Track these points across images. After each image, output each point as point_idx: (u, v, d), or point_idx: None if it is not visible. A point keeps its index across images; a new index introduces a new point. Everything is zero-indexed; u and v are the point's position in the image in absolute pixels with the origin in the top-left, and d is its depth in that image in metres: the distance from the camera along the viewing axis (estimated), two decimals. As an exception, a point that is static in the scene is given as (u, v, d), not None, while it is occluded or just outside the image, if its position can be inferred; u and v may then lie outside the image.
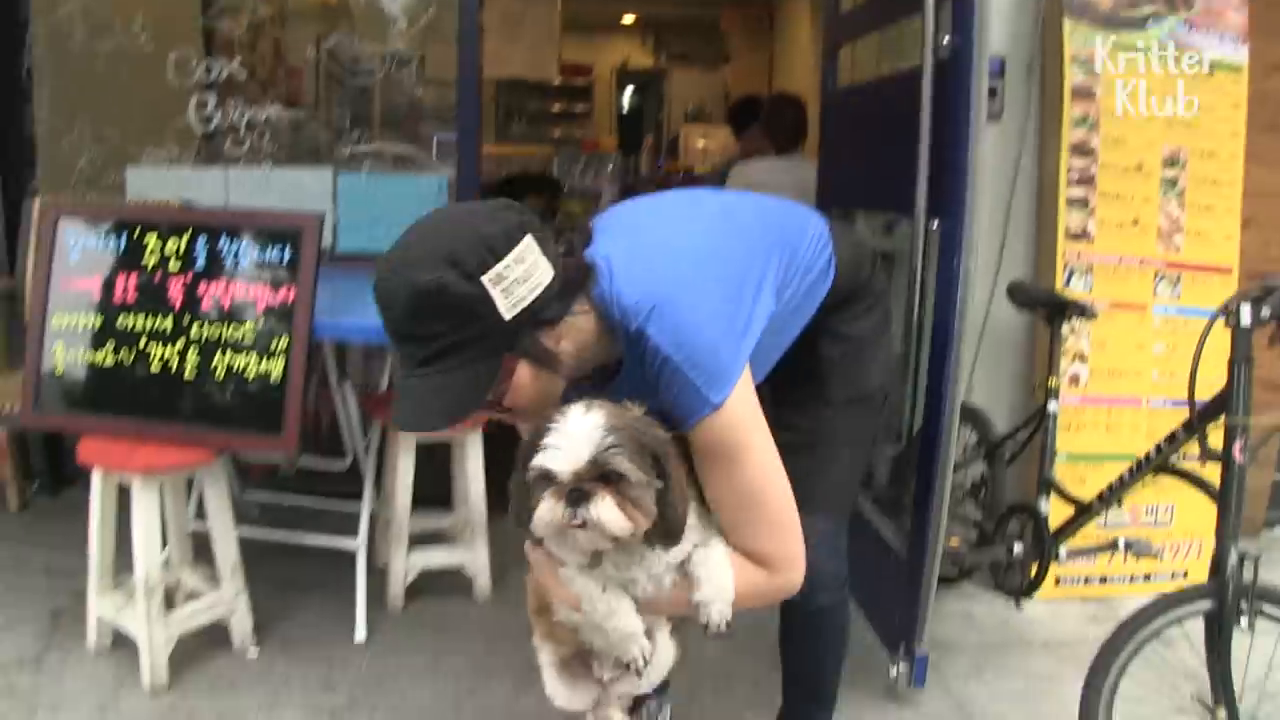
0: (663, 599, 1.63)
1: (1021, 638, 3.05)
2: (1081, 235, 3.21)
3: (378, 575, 3.13)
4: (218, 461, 2.72)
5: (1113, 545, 2.79)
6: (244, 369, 2.66)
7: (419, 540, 3.16)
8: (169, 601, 2.72)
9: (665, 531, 1.54)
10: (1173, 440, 2.50)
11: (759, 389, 1.69)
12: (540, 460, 1.46)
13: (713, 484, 1.64)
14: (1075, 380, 3.20)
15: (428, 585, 3.18)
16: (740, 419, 1.60)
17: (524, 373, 1.56)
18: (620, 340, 1.64)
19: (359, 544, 2.98)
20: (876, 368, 2.00)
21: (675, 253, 1.67)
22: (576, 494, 1.45)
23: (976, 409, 3.24)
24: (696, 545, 1.63)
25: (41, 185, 3.86)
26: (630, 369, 1.67)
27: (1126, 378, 3.24)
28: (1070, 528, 2.83)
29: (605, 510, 1.45)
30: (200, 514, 2.93)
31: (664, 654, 1.76)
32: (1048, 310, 2.94)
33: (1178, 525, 3.24)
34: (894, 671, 2.63)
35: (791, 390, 1.96)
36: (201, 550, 2.93)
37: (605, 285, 1.60)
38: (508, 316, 1.48)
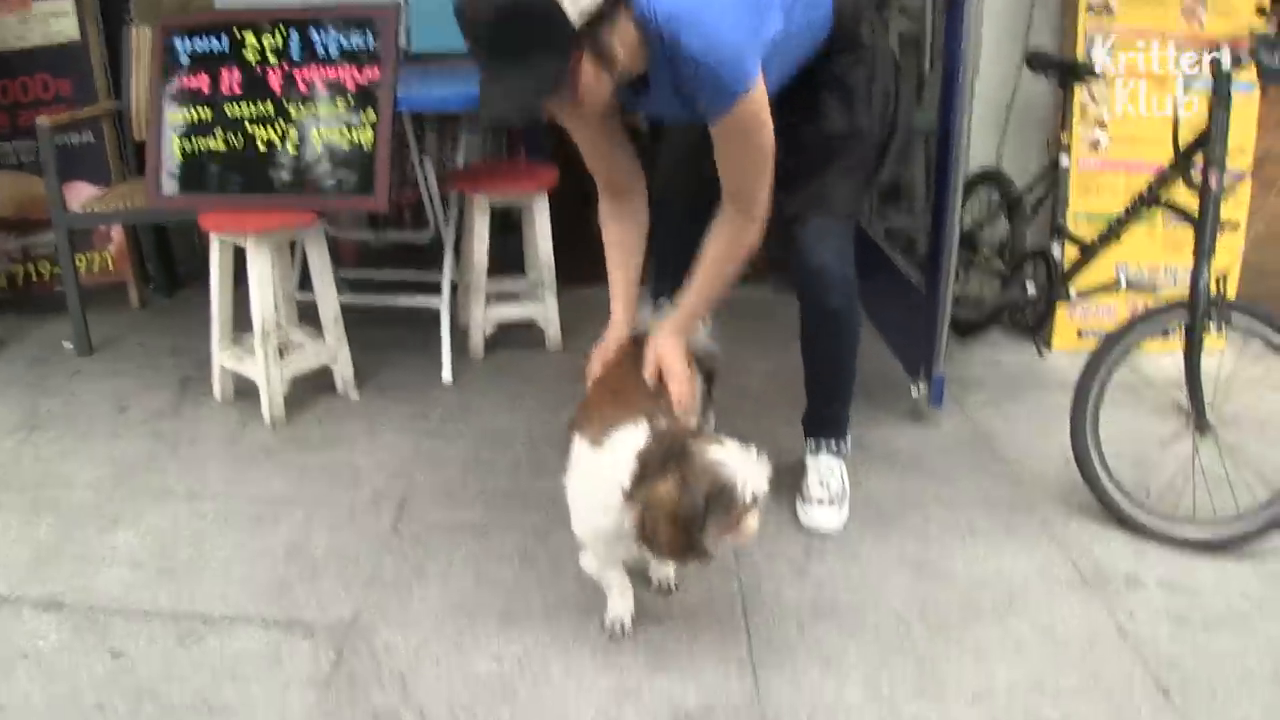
0: None
1: (1040, 380, 3.47)
2: (1103, 9, 3.50)
3: (460, 335, 3.66)
4: (317, 223, 3.22)
5: (1115, 283, 3.18)
6: (338, 141, 3.16)
7: (496, 300, 3.69)
8: (281, 354, 3.23)
9: None
10: (1163, 177, 2.87)
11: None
12: (757, 488, 1.89)
13: (731, 154, 2.11)
14: (1095, 145, 3.55)
15: (505, 340, 3.74)
16: (758, 101, 2.04)
17: (588, 71, 1.95)
18: (653, 51, 2.03)
19: (442, 302, 3.50)
20: (865, 110, 2.43)
21: None
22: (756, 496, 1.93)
23: (999, 171, 3.62)
24: None
25: (136, 16, 4.32)
26: (659, 82, 2.09)
27: (1145, 144, 3.53)
28: (1078, 267, 3.22)
29: (764, 489, 1.94)
30: (304, 285, 3.48)
31: None
32: (1059, 73, 3.29)
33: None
34: (915, 392, 3.09)
35: (797, 129, 2.38)
36: (306, 317, 3.49)
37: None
38: (576, 22, 1.86)
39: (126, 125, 4.03)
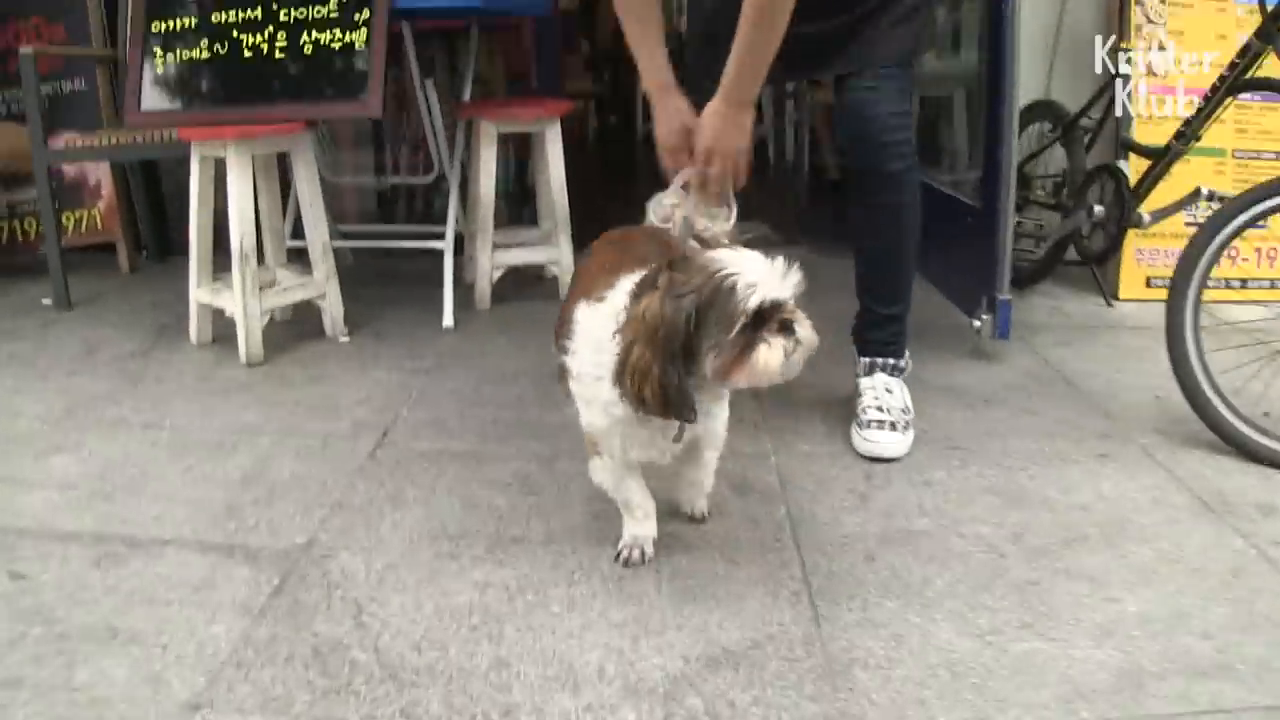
0: None
1: (1110, 324, 2.92)
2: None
3: (465, 289, 3.11)
4: (307, 134, 2.71)
5: (1195, 195, 2.59)
6: (329, 43, 2.66)
7: (504, 248, 3.12)
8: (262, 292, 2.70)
9: None
10: (1246, 51, 2.36)
11: None
12: (767, 294, 1.31)
13: None
14: (1152, 70, 2.98)
15: (514, 293, 3.17)
16: None
17: None
18: None
19: (446, 243, 2.96)
20: None
21: None
22: (788, 324, 1.35)
23: (1050, 100, 3.10)
24: None
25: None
26: None
27: (1209, 69, 3.02)
28: (1150, 177, 2.67)
29: (808, 329, 1.37)
30: (296, 236, 2.95)
31: None
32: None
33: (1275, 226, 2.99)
34: (978, 324, 2.52)
35: None
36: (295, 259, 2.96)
37: None
38: None
39: (121, 74, 3.52)
